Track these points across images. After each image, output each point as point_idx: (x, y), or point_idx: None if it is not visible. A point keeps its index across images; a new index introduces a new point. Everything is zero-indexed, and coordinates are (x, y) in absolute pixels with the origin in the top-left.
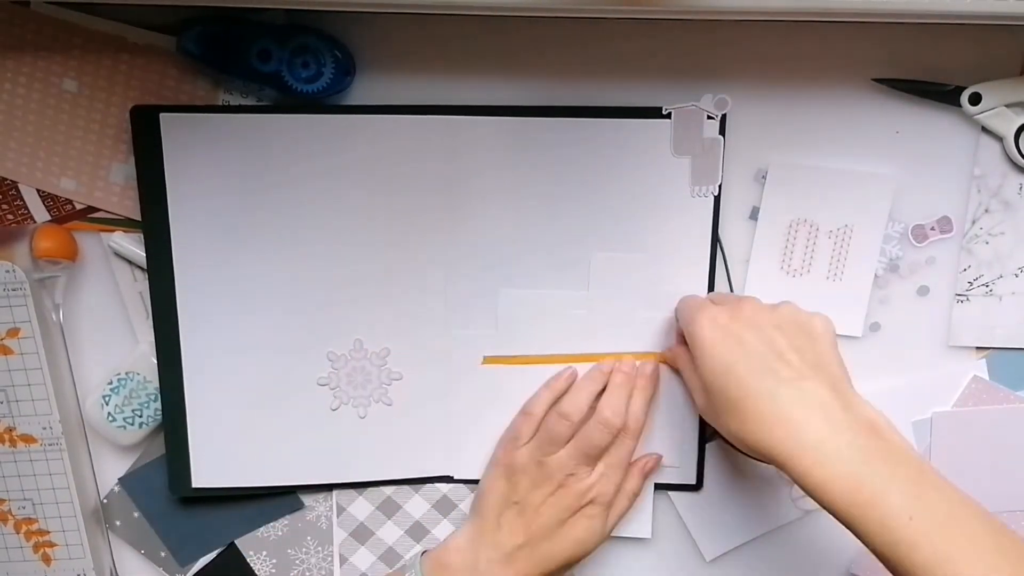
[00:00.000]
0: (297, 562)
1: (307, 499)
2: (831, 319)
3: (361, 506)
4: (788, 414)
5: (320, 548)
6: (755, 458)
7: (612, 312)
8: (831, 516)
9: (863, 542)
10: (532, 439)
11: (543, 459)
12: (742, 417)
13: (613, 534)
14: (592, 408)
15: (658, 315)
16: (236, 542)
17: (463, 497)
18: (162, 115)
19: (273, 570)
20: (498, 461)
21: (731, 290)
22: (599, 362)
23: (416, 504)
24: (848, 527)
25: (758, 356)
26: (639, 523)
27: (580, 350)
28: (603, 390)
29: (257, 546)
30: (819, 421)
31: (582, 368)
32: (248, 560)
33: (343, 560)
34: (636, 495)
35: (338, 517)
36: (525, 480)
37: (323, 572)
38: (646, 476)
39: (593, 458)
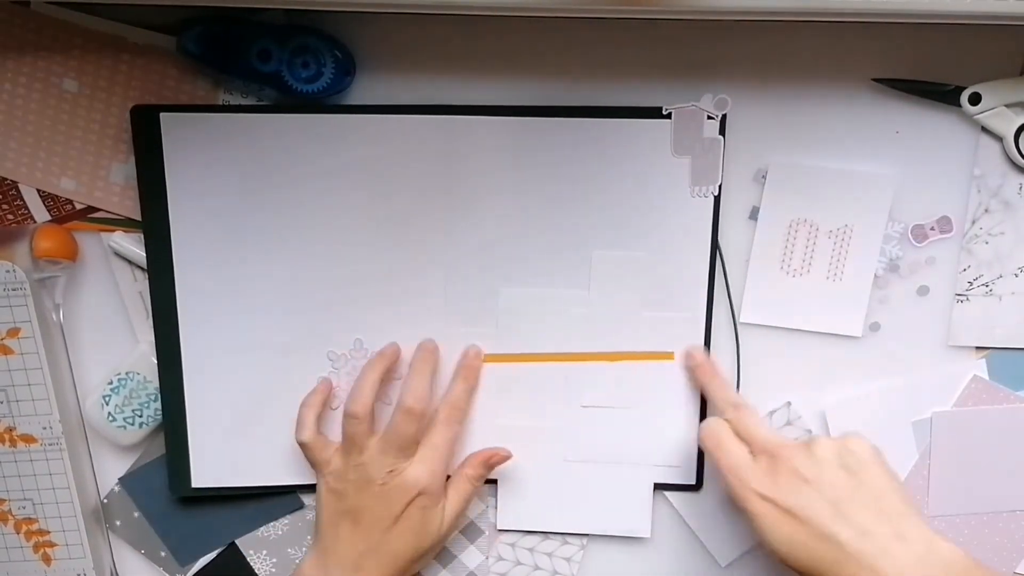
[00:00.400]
0: (297, 561)
1: (307, 498)
2: (866, 438)
3: None
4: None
5: None
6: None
7: (613, 311)
8: None
9: None
10: (338, 446)
11: (359, 461)
12: None
13: (612, 533)
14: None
15: (659, 314)
16: (236, 541)
17: None
18: (162, 115)
19: (273, 569)
20: (319, 476)
21: (729, 294)
22: (385, 349)
23: None
24: None
25: (816, 522)
26: (638, 523)
27: (581, 348)
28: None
29: (257, 545)
30: None
31: (574, 373)
32: (248, 559)
33: None
34: (478, 479)
35: None
36: (348, 487)
37: None
38: (490, 465)
39: (407, 449)
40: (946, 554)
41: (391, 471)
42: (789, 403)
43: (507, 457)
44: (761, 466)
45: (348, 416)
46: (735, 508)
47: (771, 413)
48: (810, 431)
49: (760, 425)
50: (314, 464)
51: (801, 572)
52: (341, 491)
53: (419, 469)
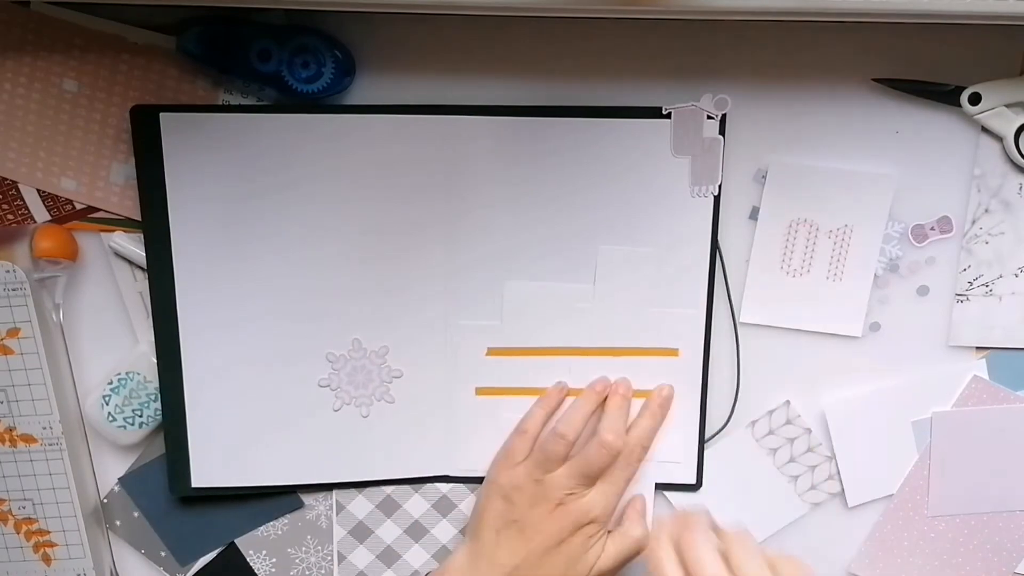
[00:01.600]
0: (297, 561)
1: (307, 498)
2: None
3: (360, 504)
4: None
5: (320, 547)
6: None
7: (618, 306)
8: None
9: None
10: (528, 458)
11: (541, 478)
12: None
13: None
14: (590, 428)
15: (664, 311)
16: (236, 541)
17: (463, 497)
18: (162, 115)
19: (273, 569)
20: (494, 480)
21: (728, 294)
22: (592, 383)
23: (416, 503)
24: None
25: None
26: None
27: (585, 344)
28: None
29: (257, 545)
30: None
31: (577, 368)
32: (248, 559)
33: (341, 558)
34: (637, 540)
35: (337, 515)
36: (523, 499)
37: (323, 571)
38: (642, 514)
39: (591, 478)
40: None
41: (570, 493)
42: (788, 402)
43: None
44: None
45: (556, 435)
46: None
47: (771, 413)
48: (809, 430)
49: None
50: (503, 460)
51: None
52: (515, 500)
53: (597, 498)
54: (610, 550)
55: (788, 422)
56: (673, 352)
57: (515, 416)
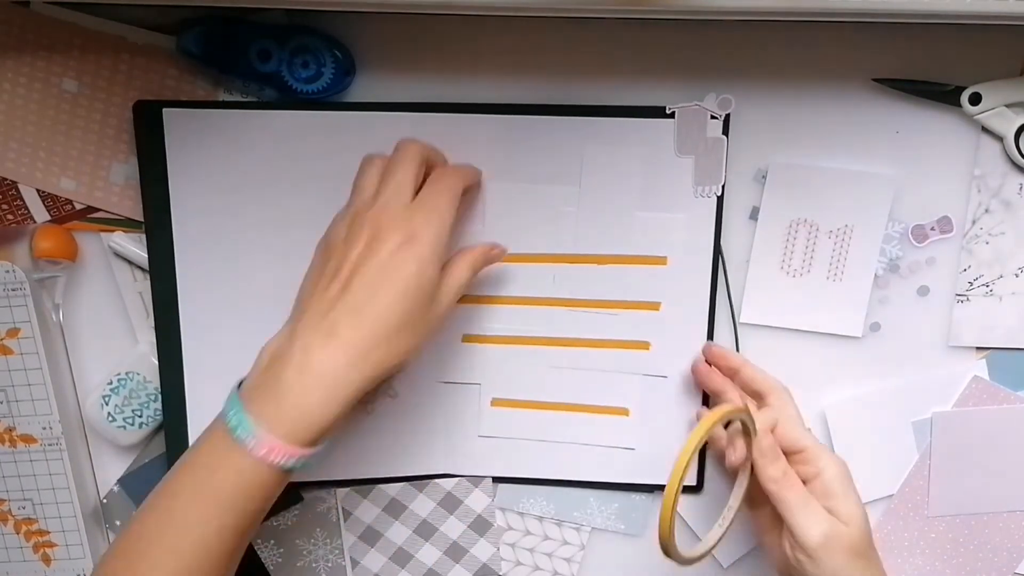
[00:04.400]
0: (304, 553)
1: (306, 494)
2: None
3: (367, 509)
4: None
5: (328, 540)
6: None
7: (605, 210)
8: None
9: None
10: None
11: (344, 217)
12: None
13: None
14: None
15: (653, 215)
16: None
17: (467, 492)
18: (165, 111)
19: (280, 559)
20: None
21: (729, 292)
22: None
23: (422, 503)
24: None
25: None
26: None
27: (571, 250)
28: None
29: (265, 535)
30: None
31: (561, 275)
32: (256, 548)
33: (355, 563)
34: (474, 268)
35: (345, 521)
36: (339, 245)
37: (330, 564)
38: (490, 258)
39: (403, 191)
40: None
41: (385, 210)
42: None
43: (503, 252)
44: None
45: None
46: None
47: None
48: (809, 430)
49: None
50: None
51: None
52: (328, 247)
53: (420, 207)
54: (450, 279)
55: None
56: (661, 260)
57: (499, 326)
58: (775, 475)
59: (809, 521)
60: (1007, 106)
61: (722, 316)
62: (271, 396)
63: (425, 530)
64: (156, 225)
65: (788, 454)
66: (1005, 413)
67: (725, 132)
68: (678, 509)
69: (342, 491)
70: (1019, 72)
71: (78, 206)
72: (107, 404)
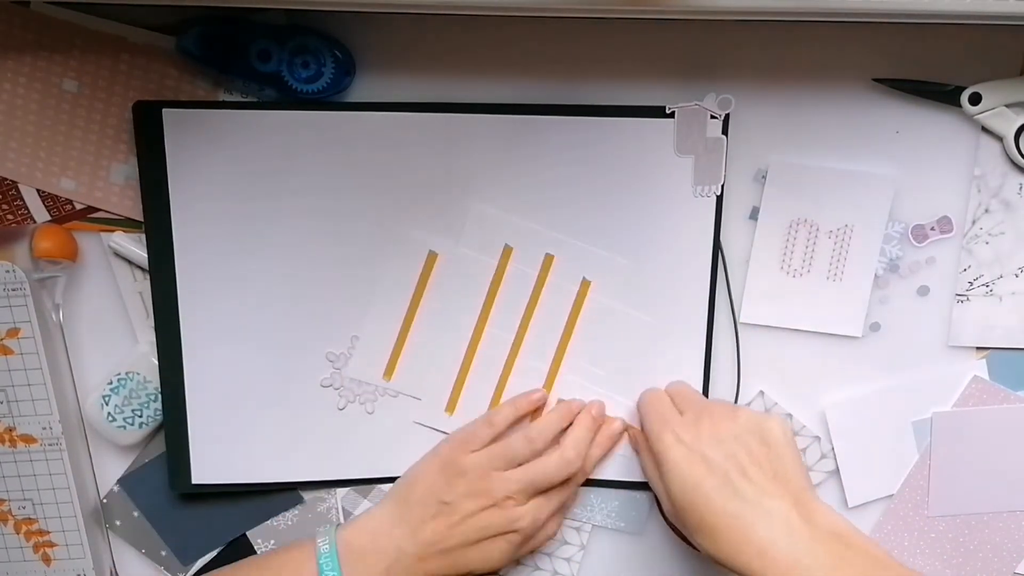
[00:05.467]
0: None
1: (307, 495)
2: (787, 421)
3: (367, 509)
4: (755, 536)
5: None
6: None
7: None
8: None
9: None
10: (485, 448)
11: (489, 473)
12: (712, 536)
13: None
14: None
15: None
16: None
17: None
18: (165, 111)
19: None
20: (441, 455)
21: (729, 292)
22: (567, 400)
23: None
24: None
25: (722, 474)
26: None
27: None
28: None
29: (266, 535)
30: (785, 541)
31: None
32: (256, 548)
33: None
34: (551, 538)
35: (344, 520)
36: (463, 485)
37: None
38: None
39: (538, 490)
40: (835, 522)
41: (509, 498)
42: (791, 415)
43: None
44: (686, 418)
45: (527, 438)
46: (647, 455)
47: (769, 412)
48: (817, 437)
49: (694, 392)
50: (459, 441)
51: (689, 522)
52: (455, 484)
53: (530, 511)
54: (524, 550)
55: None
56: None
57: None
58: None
59: (663, 444)
60: (1007, 106)
61: (722, 316)
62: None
63: None
64: (156, 225)
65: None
66: (1005, 413)
67: (725, 132)
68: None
69: (342, 491)
70: (1019, 72)
71: (78, 206)
72: (107, 404)
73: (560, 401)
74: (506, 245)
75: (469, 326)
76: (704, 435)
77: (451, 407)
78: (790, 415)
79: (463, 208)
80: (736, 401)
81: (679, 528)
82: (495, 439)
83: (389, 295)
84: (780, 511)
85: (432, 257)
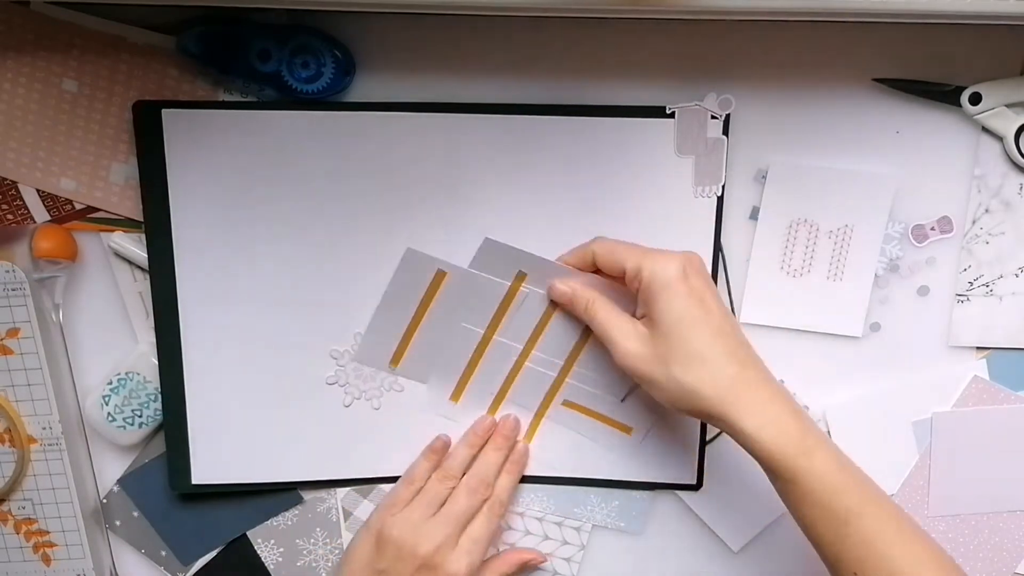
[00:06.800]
0: (305, 552)
1: (307, 495)
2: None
3: (367, 509)
4: (751, 381)
5: (329, 540)
6: (681, 410)
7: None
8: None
9: (793, 498)
10: (407, 506)
11: (419, 525)
12: (698, 372)
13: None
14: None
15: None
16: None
17: None
18: (164, 111)
19: (280, 559)
20: (370, 525)
21: (730, 294)
22: (473, 424)
23: None
24: (787, 481)
25: (720, 319)
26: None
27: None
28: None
29: (266, 535)
30: (772, 390)
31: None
32: (256, 548)
33: None
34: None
35: (346, 521)
36: (392, 550)
37: (330, 564)
38: (521, 566)
39: (462, 525)
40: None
41: (441, 547)
42: None
43: (543, 561)
44: (680, 257)
45: (443, 477)
46: (641, 273)
47: None
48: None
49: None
50: (385, 505)
51: (683, 355)
52: (384, 550)
53: (460, 557)
54: None
55: None
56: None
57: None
58: (583, 307)
59: (617, 336)
60: (1007, 106)
61: None
62: None
63: None
64: (156, 225)
65: (625, 281)
66: (1005, 413)
67: (725, 132)
68: (682, 497)
69: (342, 491)
70: (1019, 72)
71: (78, 206)
72: (107, 404)
73: (469, 429)
74: (519, 271)
75: (478, 335)
76: (703, 277)
77: (457, 395)
78: None
79: (462, 207)
80: None
81: (642, 366)
82: (417, 494)
83: (394, 303)
84: (765, 372)
85: (440, 275)
